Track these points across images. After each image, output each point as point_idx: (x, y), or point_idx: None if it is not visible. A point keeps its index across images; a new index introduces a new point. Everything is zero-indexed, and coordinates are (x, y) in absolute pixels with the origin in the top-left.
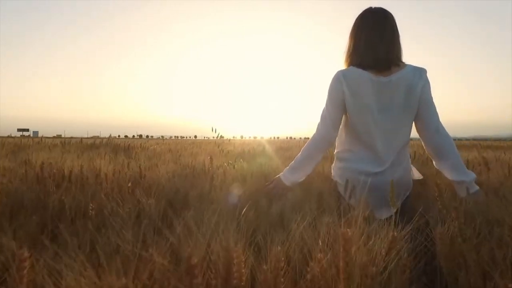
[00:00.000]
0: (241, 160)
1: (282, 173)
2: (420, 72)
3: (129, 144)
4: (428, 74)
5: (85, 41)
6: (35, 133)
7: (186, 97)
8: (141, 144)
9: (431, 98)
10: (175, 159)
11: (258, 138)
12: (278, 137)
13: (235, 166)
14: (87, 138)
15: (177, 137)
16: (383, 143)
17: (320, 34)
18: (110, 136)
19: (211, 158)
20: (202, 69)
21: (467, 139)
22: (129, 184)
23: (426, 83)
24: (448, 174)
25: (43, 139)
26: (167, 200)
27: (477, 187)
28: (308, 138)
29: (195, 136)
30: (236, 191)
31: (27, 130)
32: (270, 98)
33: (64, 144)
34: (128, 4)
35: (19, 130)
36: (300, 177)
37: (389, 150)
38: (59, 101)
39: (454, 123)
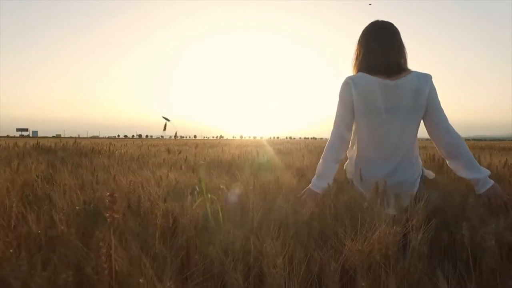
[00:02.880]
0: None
1: (311, 183)
2: (426, 78)
3: (92, 148)
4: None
5: (85, 40)
6: (35, 133)
7: (186, 97)
8: (109, 147)
9: (439, 101)
10: (134, 170)
11: (258, 138)
12: (278, 137)
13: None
14: (86, 138)
15: (176, 137)
16: (391, 143)
17: (321, 34)
18: (77, 137)
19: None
20: (203, 68)
21: (467, 139)
22: None
23: (433, 88)
24: (463, 173)
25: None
26: None
27: (492, 182)
28: (308, 138)
29: (195, 136)
30: None
31: (26, 130)
32: (270, 98)
33: (16, 146)
34: (128, 3)
35: (18, 130)
36: (328, 181)
37: (397, 151)
38: (59, 101)
39: (454, 123)
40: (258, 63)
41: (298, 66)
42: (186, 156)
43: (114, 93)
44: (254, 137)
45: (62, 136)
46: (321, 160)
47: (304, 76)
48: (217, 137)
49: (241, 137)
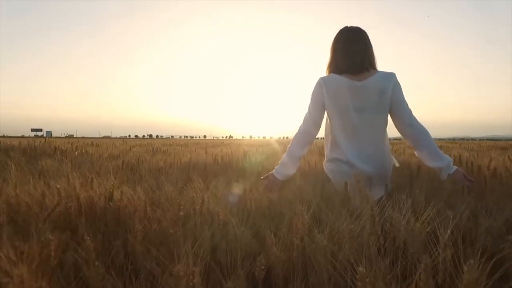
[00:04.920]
0: None
1: (274, 169)
2: (390, 77)
3: (55, 148)
4: (398, 77)
5: (97, 41)
6: (48, 133)
7: (197, 97)
8: (76, 147)
9: (402, 97)
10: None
11: (267, 138)
12: (287, 137)
13: None
14: (98, 138)
15: (187, 136)
16: (361, 138)
17: (330, 34)
18: (47, 137)
19: None
20: (214, 68)
21: (480, 139)
22: None
23: (396, 85)
24: (428, 163)
25: None
26: None
27: (455, 168)
28: (317, 138)
29: (204, 136)
30: None
31: (41, 130)
32: (280, 98)
33: None
34: (139, 4)
35: (32, 130)
36: (290, 171)
37: (367, 144)
38: (73, 102)
39: (463, 123)
40: (269, 62)
41: (309, 65)
42: (156, 159)
43: (125, 94)
44: (264, 137)
45: (74, 136)
46: (287, 150)
47: (313, 76)
48: (226, 137)
49: (251, 137)
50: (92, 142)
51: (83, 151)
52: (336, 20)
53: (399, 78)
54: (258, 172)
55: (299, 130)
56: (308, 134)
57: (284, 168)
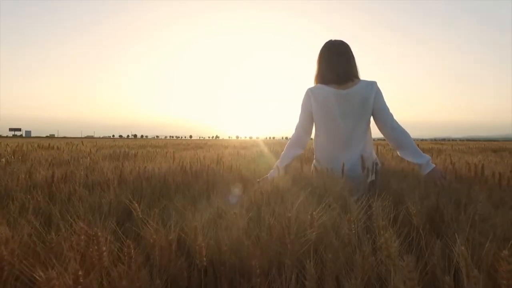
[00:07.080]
0: None
1: (269, 173)
2: (372, 85)
3: None
4: (379, 85)
5: (81, 40)
6: (28, 132)
7: (183, 97)
8: (13, 150)
9: (384, 103)
10: None
11: (254, 138)
12: (273, 137)
13: None
14: (80, 138)
15: (172, 137)
16: (343, 140)
17: (321, 34)
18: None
19: None
20: (200, 68)
21: (461, 140)
22: None
23: (378, 92)
24: (409, 159)
25: None
26: None
27: (433, 165)
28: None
29: (190, 136)
30: None
31: (19, 129)
32: (267, 99)
33: None
34: (123, 3)
35: (11, 129)
36: (280, 173)
37: (349, 145)
38: (53, 100)
39: (444, 124)
40: (256, 64)
41: (295, 66)
42: (112, 167)
43: (109, 93)
44: (250, 137)
45: (56, 136)
46: (281, 157)
47: (301, 76)
48: (213, 137)
49: (237, 137)
50: (49, 144)
51: (12, 158)
52: (332, 20)
53: (381, 79)
54: (235, 180)
55: (292, 138)
56: (301, 141)
57: (275, 172)
